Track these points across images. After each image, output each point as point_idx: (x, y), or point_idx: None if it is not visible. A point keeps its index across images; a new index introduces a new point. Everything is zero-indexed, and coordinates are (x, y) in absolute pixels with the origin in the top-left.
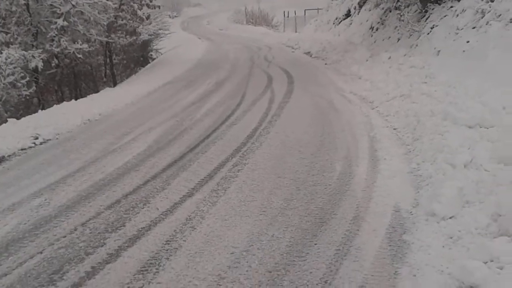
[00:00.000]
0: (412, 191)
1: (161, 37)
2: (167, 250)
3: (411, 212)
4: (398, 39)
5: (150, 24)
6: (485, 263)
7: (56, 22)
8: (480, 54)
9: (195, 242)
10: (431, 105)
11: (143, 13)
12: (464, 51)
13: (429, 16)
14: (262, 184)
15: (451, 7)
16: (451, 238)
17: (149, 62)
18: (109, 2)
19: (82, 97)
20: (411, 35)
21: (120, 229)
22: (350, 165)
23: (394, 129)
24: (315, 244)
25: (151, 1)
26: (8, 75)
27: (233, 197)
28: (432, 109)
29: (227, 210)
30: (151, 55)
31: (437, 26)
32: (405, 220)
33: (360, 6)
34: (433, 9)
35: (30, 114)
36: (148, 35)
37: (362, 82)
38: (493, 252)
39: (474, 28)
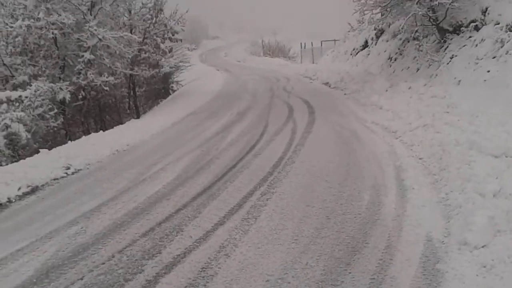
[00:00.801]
0: (442, 220)
1: (182, 70)
2: (203, 277)
3: (443, 241)
4: (418, 69)
5: (171, 57)
6: None
7: (83, 56)
8: (501, 83)
9: (230, 269)
10: (455, 134)
11: (166, 47)
12: (485, 80)
13: (448, 46)
14: (291, 212)
15: (470, 37)
16: (484, 267)
17: (170, 94)
18: (134, 36)
19: (107, 129)
20: (430, 65)
21: (156, 256)
22: (378, 195)
23: (420, 158)
24: (350, 272)
25: (173, 35)
26: (37, 107)
27: (264, 225)
28: (457, 139)
29: (260, 238)
30: (172, 87)
31: (456, 56)
32: (438, 249)
33: (378, 37)
34: (451, 39)
35: (58, 145)
36: (170, 67)
37: (383, 112)
38: None
39: (494, 57)
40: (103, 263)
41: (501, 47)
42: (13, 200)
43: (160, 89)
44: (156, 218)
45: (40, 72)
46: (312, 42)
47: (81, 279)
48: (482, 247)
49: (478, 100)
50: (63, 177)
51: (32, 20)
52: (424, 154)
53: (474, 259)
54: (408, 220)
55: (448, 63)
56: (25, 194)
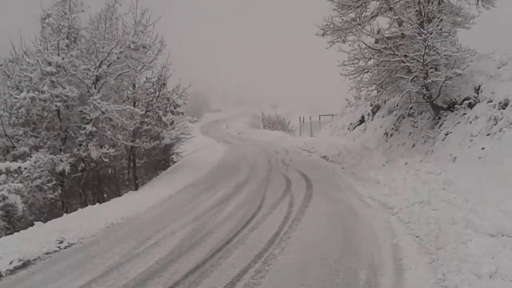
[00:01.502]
0: None
1: (183, 141)
2: None
3: None
4: (413, 145)
5: (173, 129)
6: None
7: (85, 128)
8: (496, 160)
9: None
10: (451, 212)
11: (167, 119)
12: (480, 157)
13: (442, 123)
14: None
15: (464, 114)
16: None
17: (170, 165)
18: (137, 110)
19: (105, 201)
20: (426, 141)
21: None
22: (375, 274)
23: (417, 236)
24: None
25: (175, 108)
26: (35, 178)
27: None
28: (453, 217)
29: None
30: (172, 158)
31: (451, 132)
32: None
33: (374, 113)
34: (446, 116)
35: (54, 217)
36: (171, 139)
37: (380, 187)
38: None
39: (488, 135)
40: None
41: (495, 124)
42: (4, 274)
43: (160, 160)
44: None
45: (41, 144)
46: (310, 116)
47: None
48: None
49: (474, 177)
50: (55, 251)
51: (37, 92)
52: (421, 232)
53: None
54: None
55: (443, 140)
56: (17, 268)
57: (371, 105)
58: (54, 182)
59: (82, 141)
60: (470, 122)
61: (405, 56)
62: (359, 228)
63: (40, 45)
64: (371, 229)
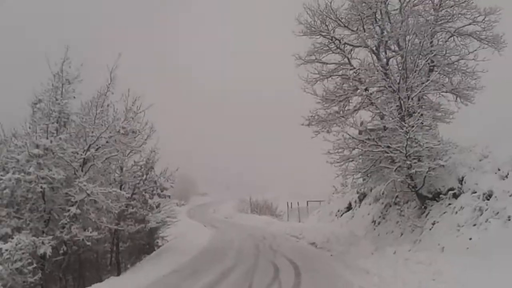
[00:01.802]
0: None
1: (168, 225)
2: None
3: None
4: (401, 234)
5: (159, 212)
6: None
7: (69, 210)
8: (483, 251)
9: None
10: None
11: (154, 202)
12: (467, 248)
13: (429, 212)
14: None
15: (450, 204)
16: None
17: (155, 249)
18: (123, 192)
19: (85, 286)
20: (413, 230)
21: None
22: None
23: None
24: None
25: (162, 191)
26: (16, 260)
27: None
28: None
29: None
30: (157, 242)
31: (438, 222)
32: None
33: (361, 200)
34: (432, 205)
35: None
36: (156, 222)
37: (370, 277)
38: None
39: (474, 225)
40: None
41: (480, 215)
42: None
43: (145, 244)
44: None
45: (24, 225)
46: (298, 202)
47: None
48: None
49: (463, 267)
50: None
51: (23, 174)
52: None
53: None
54: None
55: (430, 229)
56: None
57: (357, 192)
58: (34, 265)
59: (66, 223)
60: (456, 212)
61: (388, 147)
62: None
63: (29, 128)
64: None
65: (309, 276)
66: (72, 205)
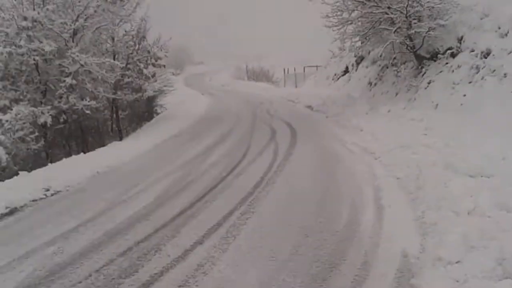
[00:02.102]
0: (418, 237)
1: (166, 93)
2: None
3: (418, 257)
4: (396, 94)
5: (155, 81)
6: None
7: (64, 81)
8: (476, 107)
9: (207, 287)
10: (432, 155)
11: (149, 72)
12: (461, 104)
13: (425, 72)
14: (270, 231)
15: (447, 63)
16: (457, 281)
17: (154, 117)
18: (116, 62)
19: (89, 151)
20: (409, 90)
21: (133, 275)
22: (356, 213)
23: (397, 178)
24: None
25: (156, 61)
26: (17, 130)
27: (243, 243)
28: (433, 160)
29: (238, 256)
30: (156, 110)
31: (434, 81)
32: (413, 265)
33: (358, 63)
34: (429, 65)
35: (39, 167)
36: (153, 91)
37: (363, 134)
38: None
39: (470, 82)
40: (80, 282)
41: (477, 73)
42: None
43: (144, 112)
44: (134, 238)
45: (21, 97)
46: (295, 68)
47: None
48: (456, 263)
49: (455, 123)
50: (42, 198)
51: (14, 47)
52: (401, 174)
53: (447, 274)
54: (385, 237)
55: (426, 88)
56: (3, 215)
57: (355, 56)
58: (36, 133)
59: (63, 94)
60: (453, 71)
61: (388, 8)
62: (341, 172)
63: (15, 0)
64: (353, 173)
65: (304, 136)
66: (67, 76)
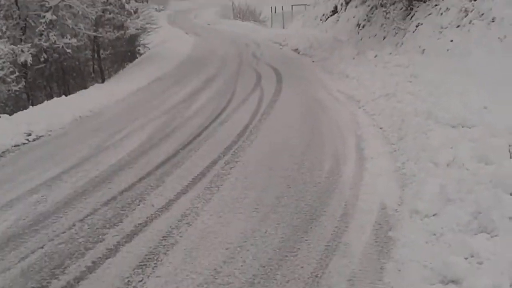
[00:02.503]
0: (397, 189)
1: (149, 32)
2: (164, 245)
3: (396, 209)
4: (384, 37)
5: (137, 18)
6: (466, 258)
7: (44, 16)
8: (463, 53)
9: (191, 238)
10: (415, 104)
11: (131, 7)
12: (448, 50)
13: (414, 14)
14: (254, 181)
15: (436, 5)
16: (434, 234)
17: (137, 57)
18: None
19: (70, 93)
20: (396, 33)
21: (117, 225)
22: (338, 164)
23: (380, 128)
24: (306, 240)
25: None
26: None
27: (226, 194)
28: (416, 109)
29: (221, 207)
30: (139, 50)
31: (422, 24)
32: (391, 217)
33: (347, 3)
34: (418, 7)
35: (20, 110)
36: (136, 29)
37: (349, 81)
38: (473, 248)
39: (458, 27)
40: (64, 232)
41: (465, 16)
42: None
43: (126, 52)
44: (118, 187)
45: (0, 34)
46: (282, 6)
47: (42, 247)
48: (433, 215)
49: (441, 69)
50: (24, 143)
51: None
52: (384, 123)
53: (424, 227)
54: (365, 189)
55: (413, 32)
56: None
57: None
58: (17, 74)
59: (43, 31)
60: (441, 14)
61: None
62: (325, 120)
63: None
64: (337, 122)
65: (290, 82)
66: (47, 11)
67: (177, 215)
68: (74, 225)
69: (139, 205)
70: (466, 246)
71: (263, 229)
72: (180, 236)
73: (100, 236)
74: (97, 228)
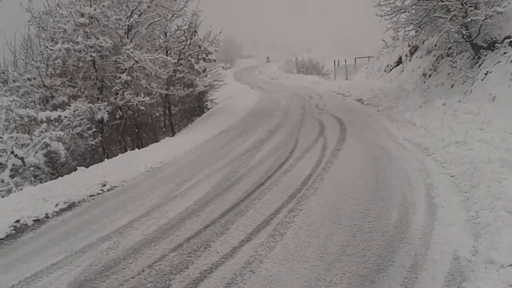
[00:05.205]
0: (471, 239)
1: (216, 88)
2: None
3: (470, 260)
4: (452, 86)
5: (206, 76)
6: None
7: (120, 77)
8: None
9: (255, 285)
10: (487, 151)
11: (200, 67)
12: None
13: (482, 63)
14: (318, 230)
15: (505, 53)
16: (510, 286)
17: (205, 112)
18: (169, 58)
19: (143, 146)
20: (465, 82)
21: (184, 271)
22: (406, 213)
23: (452, 176)
24: None
25: (207, 55)
26: (75, 126)
27: (290, 242)
28: (489, 156)
29: (285, 255)
30: (207, 105)
31: (491, 72)
32: (464, 268)
33: (412, 54)
34: (486, 55)
35: (96, 162)
36: (204, 86)
37: (416, 129)
38: None
39: None
40: (133, 277)
41: None
42: (51, 216)
43: (195, 107)
44: (185, 234)
45: (79, 93)
46: (345, 59)
47: None
48: (509, 265)
49: None
50: (99, 193)
51: (71, 44)
52: (455, 171)
53: (500, 278)
54: (436, 238)
55: (482, 80)
56: (62, 210)
57: (408, 45)
58: (94, 129)
59: (118, 90)
60: (511, 61)
61: None
62: (392, 169)
63: None
64: (405, 170)
65: (354, 131)
66: (123, 72)
67: (241, 262)
68: (143, 270)
69: (204, 251)
70: None
71: (328, 278)
72: (244, 283)
73: (167, 282)
74: (164, 274)
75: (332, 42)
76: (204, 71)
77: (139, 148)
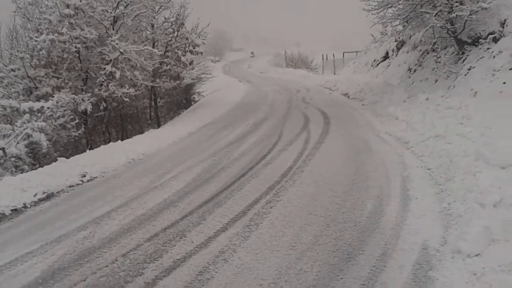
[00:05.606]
0: (441, 229)
1: (203, 81)
2: (200, 280)
3: (438, 249)
4: (436, 81)
5: (193, 69)
6: None
7: (105, 68)
8: None
9: (227, 273)
10: (465, 145)
11: (187, 59)
12: (500, 92)
13: (466, 58)
14: (293, 220)
15: (488, 48)
16: (475, 274)
17: (192, 105)
18: (155, 50)
19: (128, 138)
20: (448, 77)
21: (157, 260)
22: (381, 204)
23: (428, 169)
24: (341, 278)
25: (194, 48)
26: (58, 117)
27: (264, 232)
28: (466, 150)
29: (258, 244)
30: (194, 97)
31: (474, 67)
32: (432, 257)
33: (398, 49)
34: (470, 50)
35: (79, 154)
36: (191, 79)
37: (398, 123)
38: None
39: (510, 69)
40: (106, 266)
41: None
42: (29, 206)
43: (182, 100)
44: (162, 224)
45: (63, 84)
46: (334, 54)
47: (84, 280)
48: (475, 255)
49: (493, 111)
50: (78, 184)
51: (56, 35)
52: (432, 164)
53: (465, 267)
54: (407, 228)
55: (465, 75)
56: (41, 200)
57: (395, 40)
58: (77, 120)
59: (103, 81)
60: (494, 57)
61: None
62: (371, 162)
63: None
64: (384, 163)
65: (338, 124)
66: (107, 64)
67: (215, 251)
68: (116, 259)
69: (179, 241)
70: (506, 286)
71: (298, 266)
72: (216, 272)
73: (140, 270)
74: (138, 263)
75: (322, 37)
76: (191, 63)
77: (123, 140)
